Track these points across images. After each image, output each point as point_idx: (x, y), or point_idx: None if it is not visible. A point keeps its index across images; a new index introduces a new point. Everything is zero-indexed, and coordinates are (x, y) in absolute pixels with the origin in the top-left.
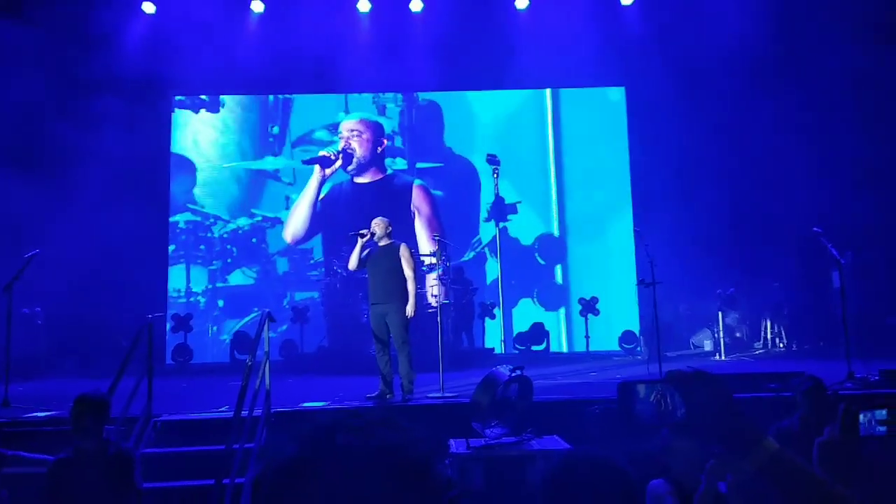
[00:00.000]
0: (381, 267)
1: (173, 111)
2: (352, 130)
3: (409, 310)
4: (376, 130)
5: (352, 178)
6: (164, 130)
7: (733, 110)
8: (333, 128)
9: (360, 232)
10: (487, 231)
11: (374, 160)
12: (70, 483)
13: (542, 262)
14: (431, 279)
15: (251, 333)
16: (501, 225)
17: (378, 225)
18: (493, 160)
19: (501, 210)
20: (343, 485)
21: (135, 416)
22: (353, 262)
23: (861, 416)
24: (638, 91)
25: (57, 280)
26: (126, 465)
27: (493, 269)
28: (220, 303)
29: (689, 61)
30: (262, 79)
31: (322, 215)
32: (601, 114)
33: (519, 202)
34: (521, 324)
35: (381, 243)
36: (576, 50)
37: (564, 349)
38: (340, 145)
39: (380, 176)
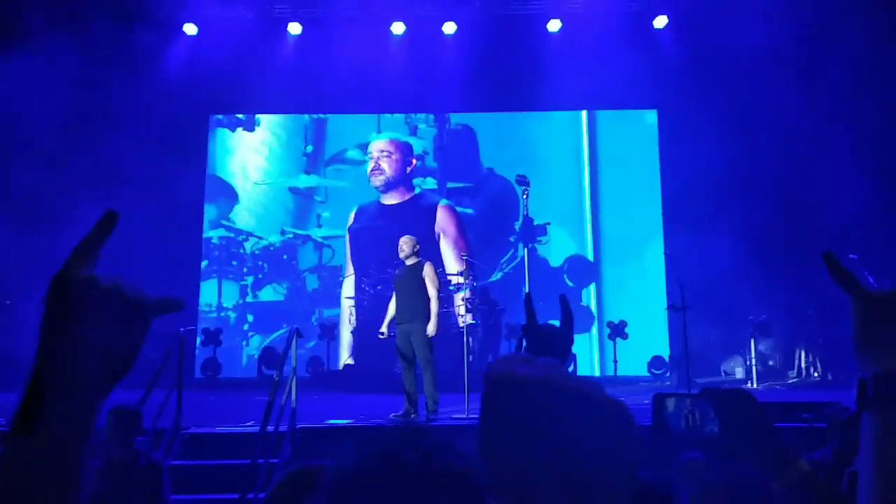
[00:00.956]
0: (406, 286)
1: (211, 130)
2: (382, 150)
3: (431, 329)
4: (405, 150)
5: (378, 199)
6: (200, 148)
7: (765, 134)
8: (366, 147)
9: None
10: (519, 252)
11: (403, 180)
12: (101, 492)
13: (570, 283)
14: (458, 299)
15: (279, 349)
16: (530, 245)
17: (406, 243)
18: (522, 181)
19: (530, 231)
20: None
21: (164, 428)
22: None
23: None
24: (671, 114)
25: None
26: (155, 475)
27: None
28: (250, 318)
29: (722, 84)
30: (297, 98)
31: (350, 235)
32: (635, 136)
33: (548, 223)
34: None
35: (408, 262)
36: (608, 72)
37: (597, 373)
38: (370, 165)
39: (408, 196)
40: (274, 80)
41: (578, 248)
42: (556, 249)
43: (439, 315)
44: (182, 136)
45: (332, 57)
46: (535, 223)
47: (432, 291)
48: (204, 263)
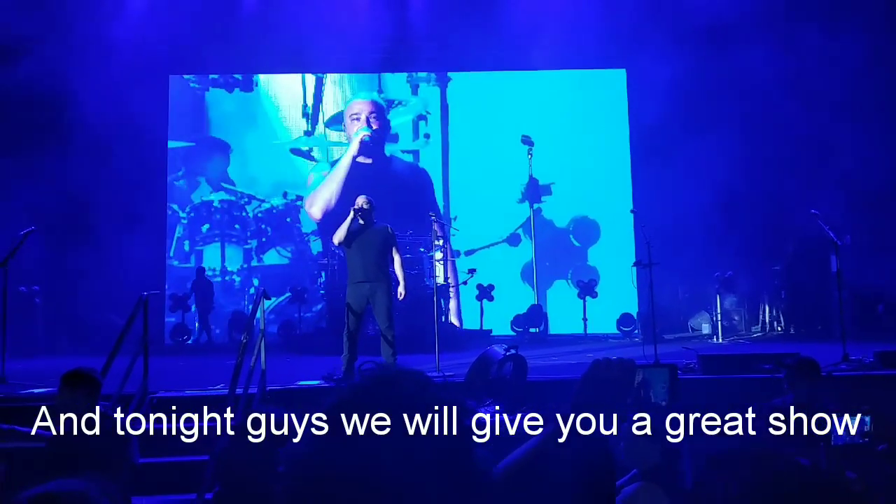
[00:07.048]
0: (372, 246)
1: (207, 90)
2: (371, 112)
3: (402, 290)
4: (383, 111)
5: (354, 159)
6: (162, 106)
7: (733, 91)
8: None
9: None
10: (522, 212)
11: (382, 142)
12: (68, 457)
13: (577, 244)
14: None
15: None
16: (535, 206)
17: (369, 202)
18: (527, 141)
19: (535, 191)
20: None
21: (131, 394)
22: (341, 235)
23: (848, 419)
24: (639, 73)
25: (56, 258)
26: (123, 439)
27: (527, 251)
28: (256, 282)
29: (690, 43)
30: (295, 58)
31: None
32: (604, 95)
33: (553, 183)
34: (552, 305)
35: (367, 221)
36: (577, 31)
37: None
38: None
39: (377, 159)
40: (270, 40)
41: (580, 208)
42: (561, 210)
43: (406, 278)
44: (149, 92)
45: (329, 14)
46: (541, 184)
47: (398, 255)
48: (205, 227)
